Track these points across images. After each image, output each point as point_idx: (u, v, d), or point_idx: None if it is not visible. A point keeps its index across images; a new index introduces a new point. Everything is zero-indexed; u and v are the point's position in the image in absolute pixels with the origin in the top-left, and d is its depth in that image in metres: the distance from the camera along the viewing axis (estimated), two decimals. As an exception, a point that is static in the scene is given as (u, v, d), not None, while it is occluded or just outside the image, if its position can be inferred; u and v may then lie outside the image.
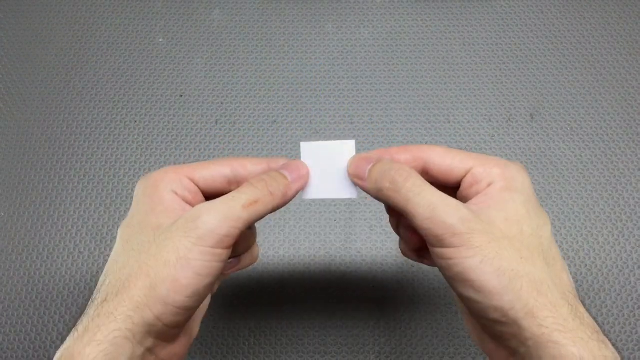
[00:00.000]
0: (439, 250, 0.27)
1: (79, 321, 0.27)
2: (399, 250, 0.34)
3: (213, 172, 0.31)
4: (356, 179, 0.32)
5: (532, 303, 0.25)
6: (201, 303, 0.28)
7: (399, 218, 0.33)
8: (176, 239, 0.27)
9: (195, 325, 0.33)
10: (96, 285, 0.29)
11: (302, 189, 0.33)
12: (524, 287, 0.25)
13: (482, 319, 0.27)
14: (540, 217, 0.28)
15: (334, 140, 0.33)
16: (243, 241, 0.34)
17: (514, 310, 0.25)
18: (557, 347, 0.25)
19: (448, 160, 0.30)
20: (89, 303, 0.28)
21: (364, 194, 0.32)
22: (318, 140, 0.34)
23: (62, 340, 0.28)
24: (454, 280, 0.27)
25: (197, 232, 0.27)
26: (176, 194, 0.30)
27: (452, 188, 0.31)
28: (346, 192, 0.33)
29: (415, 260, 0.34)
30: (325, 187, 0.33)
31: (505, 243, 0.26)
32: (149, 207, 0.29)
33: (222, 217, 0.27)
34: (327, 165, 0.33)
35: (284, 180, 0.31)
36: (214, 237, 0.27)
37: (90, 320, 0.26)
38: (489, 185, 0.29)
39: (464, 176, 0.30)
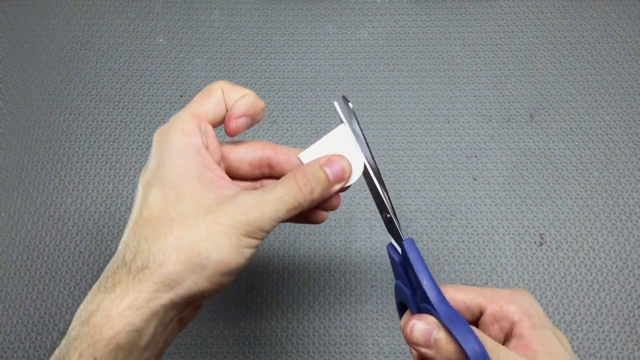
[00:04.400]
0: None
1: (111, 282, 0.29)
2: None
3: (248, 154, 0.35)
4: (417, 347, 0.31)
5: None
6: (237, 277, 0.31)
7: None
8: (227, 226, 0.29)
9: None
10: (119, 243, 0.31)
11: (337, 187, 0.33)
12: None
13: None
14: (562, 338, 0.31)
15: (324, 135, 0.34)
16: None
17: None
18: None
19: (462, 298, 0.32)
20: (118, 263, 0.30)
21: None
22: (311, 142, 0.34)
23: (63, 340, 0.28)
24: None
25: (247, 227, 0.29)
26: (201, 153, 0.32)
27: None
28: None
29: None
30: None
31: None
32: (181, 170, 0.31)
33: (268, 218, 0.30)
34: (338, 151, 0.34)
35: (326, 183, 0.32)
36: (260, 233, 0.30)
37: (128, 284, 0.28)
38: (513, 324, 0.31)
39: (480, 314, 0.32)
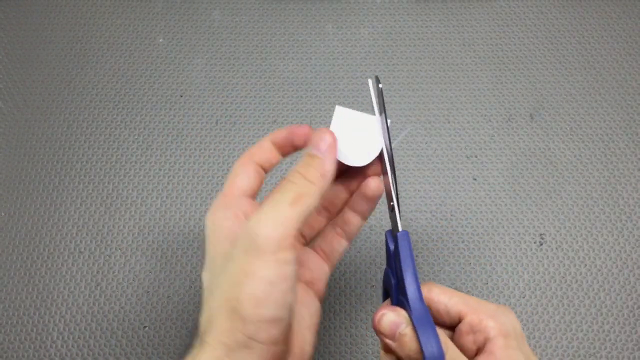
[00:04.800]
0: None
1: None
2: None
3: (247, 179, 0.33)
4: (384, 337, 0.31)
5: None
6: (287, 312, 0.28)
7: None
8: (240, 259, 0.28)
9: (304, 344, 0.32)
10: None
11: (335, 156, 0.32)
12: None
13: None
14: None
15: (364, 112, 0.35)
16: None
17: None
18: None
19: (445, 301, 0.32)
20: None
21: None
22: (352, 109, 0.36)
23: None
24: None
25: (255, 246, 0.27)
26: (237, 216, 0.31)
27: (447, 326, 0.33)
28: (358, 160, 0.34)
29: None
30: (344, 154, 0.34)
31: None
32: (217, 241, 0.30)
33: (272, 224, 0.28)
34: (352, 134, 0.34)
35: (316, 159, 0.31)
36: (272, 244, 0.27)
37: (195, 354, 0.28)
38: (487, 340, 0.31)
39: (458, 321, 0.32)
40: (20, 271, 0.52)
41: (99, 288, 0.51)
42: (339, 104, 0.58)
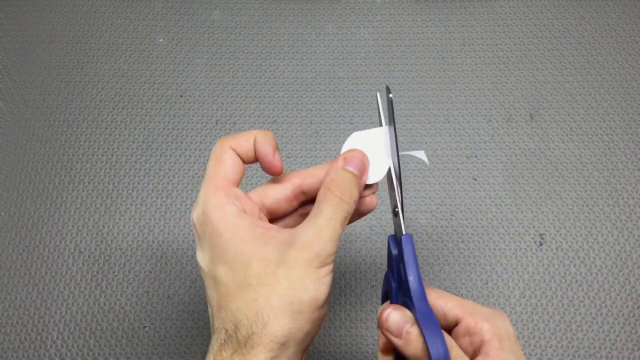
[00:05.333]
0: None
1: (223, 355, 0.31)
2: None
3: (279, 193, 0.35)
4: (390, 335, 0.32)
5: None
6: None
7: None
8: (302, 268, 0.31)
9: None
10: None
11: (367, 176, 0.35)
12: None
13: None
14: None
15: (370, 129, 0.36)
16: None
17: None
18: None
19: (442, 305, 0.33)
20: (220, 339, 0.31)
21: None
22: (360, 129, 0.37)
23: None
24: None
25: (318, 259, 0.31)
26: (243, 213, 0.33)
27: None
28: (373, 177, 0.36)
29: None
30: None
31: None
32: (234, 241, 0.32)
33: (330, 240, 0.32)
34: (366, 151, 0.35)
35: (356, 180, 0.34)
36: (330, 257, 0.32)
37: (242, 352, 0.30)
38: (482, 342, 0.32)
39: (454, 324, 0.33)
40: (20, 271, 0.52)
41: (99, 288, 0.51)
42: (340, 104, 0.58)
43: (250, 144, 0.34)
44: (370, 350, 0.49)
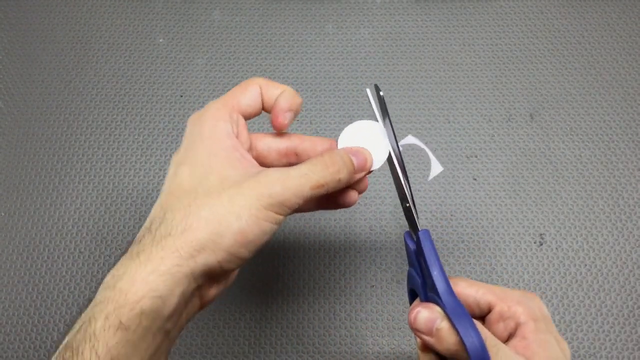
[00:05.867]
0: None
1: (137, 248, 0.29)
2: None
3: (275, 142, 0.36)
4: (420, 334, 0.32)
5: None
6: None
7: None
8: (249, 198, 0.30)
9: (234, 276, 0.35)
10: (147, 216, 0.31)
11: (363, 174, 0.35)
12: None
13: None
14: (564, 346, 0.31)
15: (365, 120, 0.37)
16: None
17: None
18: None
19: (473, 294, 0.33)
20: (144, 233, 0.30)
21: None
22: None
23: (89, 305, 0.29)
24: None
25: (269, 200, 0.30)
26: (231, 134, 0.33)
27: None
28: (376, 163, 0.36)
29: None
30: None
31: None
32: (210, 150, 0.32)
33: (291, 193, 0.31)
34: (360, 142, 0.36)
35: (352, 168, 0.34)
36: (282, 207, 0.31)
37: (152, 250, 0.29)
38: (518, 325, 0.31)
39: (488, 311, 0.33)
40: (20, 271, 0.52)
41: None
42: (340, 104, 0.58)
43: (277, 93, 0.34)
44: (370, 351, 0.49)
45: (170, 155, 0.56)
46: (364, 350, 0.49)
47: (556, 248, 0.52)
